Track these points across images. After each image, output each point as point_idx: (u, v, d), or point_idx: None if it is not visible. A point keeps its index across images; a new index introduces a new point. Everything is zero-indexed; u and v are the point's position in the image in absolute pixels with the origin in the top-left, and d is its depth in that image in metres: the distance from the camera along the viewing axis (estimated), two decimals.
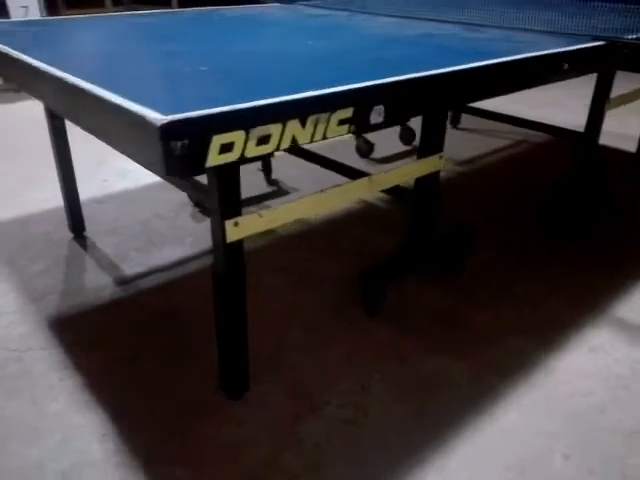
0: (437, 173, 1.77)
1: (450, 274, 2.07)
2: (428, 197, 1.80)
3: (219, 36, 1.79)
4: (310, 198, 1.38)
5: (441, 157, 1.71)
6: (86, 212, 2.49)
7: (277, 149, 1.02)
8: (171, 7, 5.63)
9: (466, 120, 3.83)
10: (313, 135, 1.07)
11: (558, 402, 1.53)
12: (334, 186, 1.46)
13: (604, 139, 3.63)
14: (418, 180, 1.77)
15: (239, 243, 1.29)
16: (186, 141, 0.88)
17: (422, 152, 1.73)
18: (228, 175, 1.21)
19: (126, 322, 1.82)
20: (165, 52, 1.50)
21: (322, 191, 1.41)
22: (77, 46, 1.59)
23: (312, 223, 2.49)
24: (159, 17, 2.21)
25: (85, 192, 2.74)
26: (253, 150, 0.98)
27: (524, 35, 1.89)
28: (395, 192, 1.87)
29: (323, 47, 1.61)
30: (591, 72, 1.75)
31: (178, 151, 0.87)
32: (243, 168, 2.86)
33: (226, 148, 0.94)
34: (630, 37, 1.74)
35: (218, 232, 1.26)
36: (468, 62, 1.35)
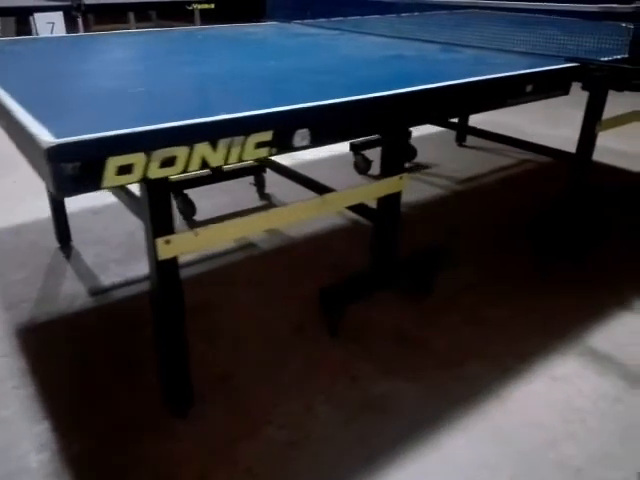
0: (398, 194, 1.75)
1: (418, 295, 2.04)
2: (390, 217, 1.78)
3: (184, 56, 1.82)
4: (252, 218, 1.39)
5: (401, 178, 1.69)
6: (79, 222, 2.57)
7: (185, 171, 1.03)
8: (194, 24, 5.76)
9: (472, 138, 3.77)
10: (227, 158, 1.07)
11: (508, 434, 1.49)
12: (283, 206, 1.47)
13: (608, 158, 3.52)
14: (380, 200, 1.75)
15: (173, 261, 1.30)
16: (78, 163, 0.89)
17: (383, 173, 1.71)
18: (158, 193, 1.23)
19: (91, 333, 1.85)
20: (117, 73, 1.53)
21: (267, 211, 1.42)
22: (33, 65, 1.65)
23: (295, 236, 2.49)
24: (144, 36, 2.27)
25: (83, 202, 2.82)
26: (156, 172, 0.99)
27: (502, 56, 1.86)
28: (360, 210, 1.85)
29: (281, 68, 1.62)
30: (560, 94, 1.70)
31: (69, 172, 0.89)
32: (235, 182, 2.92)
33: (124, 170, 0.96)
34: (604, 59, 1.69)
35: (150, 250, 1.27)
36: (407, 86, 1.34)
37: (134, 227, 2.56)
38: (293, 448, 1.44)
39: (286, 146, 1.16)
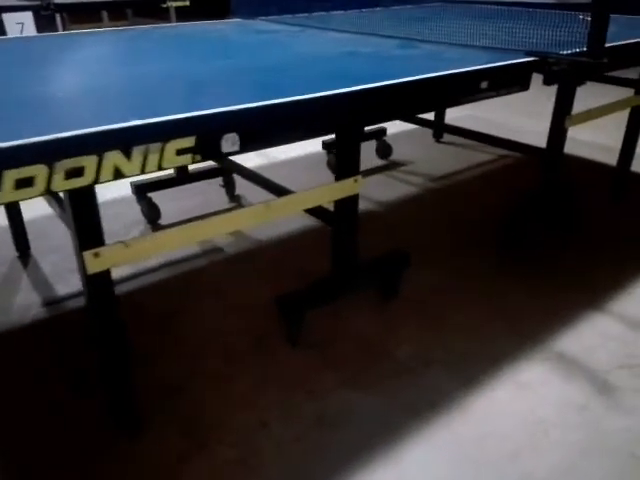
0: (355, 196, 1.67)
1: (384, 299, 1.97)
2: (347, 221, 1.71)
3: (128, 58, 1.75)
4: (186, 228, 1.32)
5: (356, 181, 1.62)
6: (39, 229, 2.49)
7: (96, 182, 0.96)
8: (169, 21, 5.66)
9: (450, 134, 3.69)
10: (144, 166, 1.00)
11: (468, 445, 1.42)
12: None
13: (587, 151, 3.46)
14: (337, 203, 1.68)
15: (104, 274, 1.23)
16: None
17: (337, 175, 1.64)
18: (84, 204, 1.15)
19: (41, 345, 1.78)
20: (43, 77, 1.44)
21: (203, 219, 1.34)
22: None
23: (263, 239, 2.42)
24: (98, 37, 2.19)
25: (42, 209, 2.73)
26: (62, 184, 0.92)
27: (460, 51, 1.78)
28: (317, 214, 1.78)
29: (226, 68, 1.55)
30: (519, 90, 1.63)
31: None
32: (205, 184, 2.84)
33: (24, 183, 0.88)
34: (564, 53, 1.62)
35: (79, 263, 1.20)
36: (352, 85, 1.27)
37: (134, 219, 2.48)
38: (243, 467, 1.37)
39: (213, 152, 1.09)
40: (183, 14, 5.73)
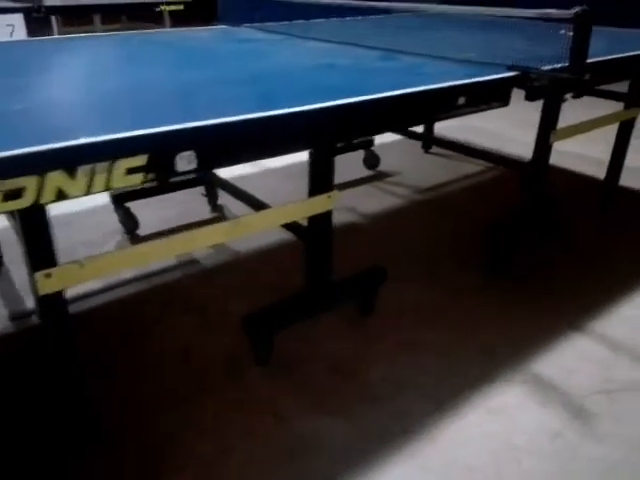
0: (329, 213, 1.63)
1: (359, 317, 1.93)
2: (321, 237, 1.66)
3: (98, 67, 1.70)
4: (147, 246, 1.27)
5: (330, 197, 1.58)
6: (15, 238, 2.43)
7: (37, 203, 0.91)
8: (164, 26, 5.63)
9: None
10: (90, 186, 0.95)
11: (436, 476, 1.37)
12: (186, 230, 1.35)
13: (577, 163, 3.43)
14: (310, 219, 1.64)
15: (57, 295, 1.18)
16: None
17: (311, 191, 1.60)
18: (34, 224, 1.11)
19: (5, 360, 1.73)
20: (6, 86, 1.40)
21: (166, 237, 1.30)
22: None
23: (241, 251, 2.38)
24: (76, 42, 2.14)
25: None
26: (0, 206, 0.87)
27: (440, 65, 1.74)
28: (291, 228, 1.74)
29: (195, 79, 1.51)
30: (499, 106, 1.59)
31: None
32: (187, 193, 2.79)
33: None
34: (546, 68, 1.58)
35: (31, 284, 1.15)
36: (323, 101, 1.23)
37: (74, 242, 2.44)
38: None
39: (167, 172, 1.04)
40: (178, 18, 5.70)
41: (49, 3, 4.54)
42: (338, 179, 3.17)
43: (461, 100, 1.47)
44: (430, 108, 1.45)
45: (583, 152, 3.65)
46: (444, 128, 3.43)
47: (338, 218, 2.73)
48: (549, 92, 1.57)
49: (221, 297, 2.07)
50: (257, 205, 1.92)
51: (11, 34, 4.62)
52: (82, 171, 0.93)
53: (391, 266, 1.93)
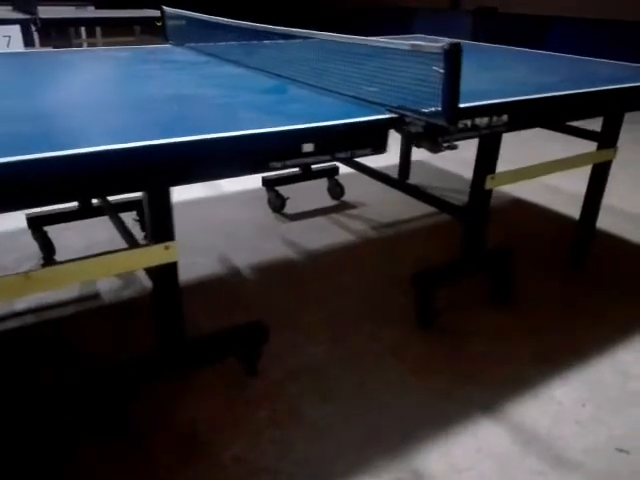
0: (173, 265, 1.43)
1: (238, 381, 1.70)
2: (166, 293, 1.46)
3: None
4: None
5: (168, 248, 1.38)
6: None
7: None
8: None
9: (413, 175, 3.36)
10: None
11: None
12: None
13: (552, 199, 3.08)
14: (150, 272, 1.44)
15: None
16: None
17: (148, 239, 1.41)
18: None
19: None
20: None
21: None
22: None
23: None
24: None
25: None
26: None
27: (317, 100, 1.52)
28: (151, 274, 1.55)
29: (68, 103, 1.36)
30: (370, 154, 1.35)
31: None
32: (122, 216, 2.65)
33: None
34: (427, 110, 1.33)
35: None
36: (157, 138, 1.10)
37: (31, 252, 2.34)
38: None
39: None
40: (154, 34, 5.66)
41: (45, 16, 4.57)
42: (297, 208, 2.96)
43: (308, 147, 1.25)
44: (261, 155, 1.23)
45: (559, 184, 3.31)
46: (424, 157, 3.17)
47: (274, 253, 2.54)
48: (425, 139, 1.32)
49: (104, 340, 1.90)
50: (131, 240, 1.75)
51: (8, 44, 4.67)
52: None
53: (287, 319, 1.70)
